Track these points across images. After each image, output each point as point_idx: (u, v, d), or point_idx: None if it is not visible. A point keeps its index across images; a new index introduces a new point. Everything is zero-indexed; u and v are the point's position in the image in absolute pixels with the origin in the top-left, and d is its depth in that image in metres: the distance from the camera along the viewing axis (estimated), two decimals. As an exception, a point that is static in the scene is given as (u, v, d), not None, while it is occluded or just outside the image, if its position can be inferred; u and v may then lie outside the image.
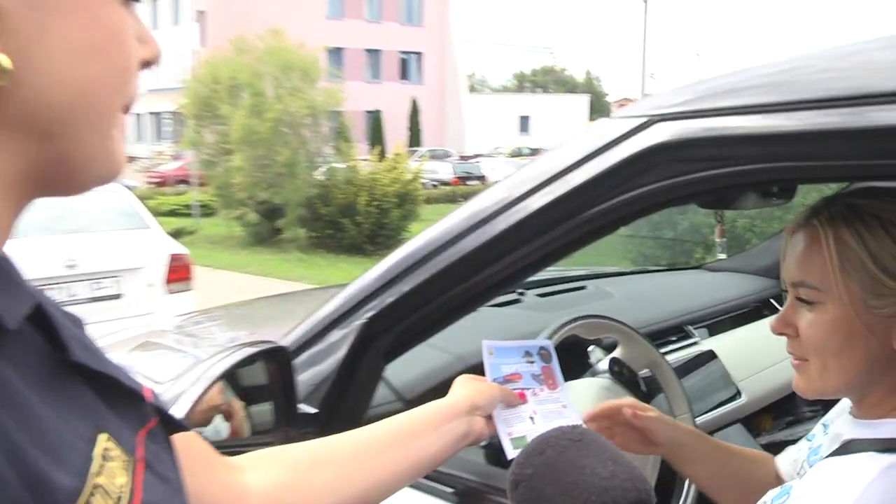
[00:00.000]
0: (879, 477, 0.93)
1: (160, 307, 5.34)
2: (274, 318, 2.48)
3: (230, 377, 1.20)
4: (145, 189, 23.95)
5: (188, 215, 17.63)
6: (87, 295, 5.21)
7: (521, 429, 1.15)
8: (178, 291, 5.48)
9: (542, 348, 1.26)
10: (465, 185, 26.28)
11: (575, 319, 1.64)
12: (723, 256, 2.00)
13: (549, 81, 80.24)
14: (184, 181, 23.26)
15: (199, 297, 5.75)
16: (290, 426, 1.25)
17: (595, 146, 1.10)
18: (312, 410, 1.30)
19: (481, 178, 27.79)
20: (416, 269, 1.24)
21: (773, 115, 0.92)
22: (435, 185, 24.56)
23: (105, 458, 0.53)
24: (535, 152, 38.61)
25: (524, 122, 52.04)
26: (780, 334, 1.12)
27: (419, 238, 1.28)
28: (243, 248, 14.77)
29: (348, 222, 14.02)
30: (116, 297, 5.31)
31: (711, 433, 1.90)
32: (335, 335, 1.32)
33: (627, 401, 1.37)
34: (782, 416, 2.33)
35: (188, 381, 1.12)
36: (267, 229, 15.14)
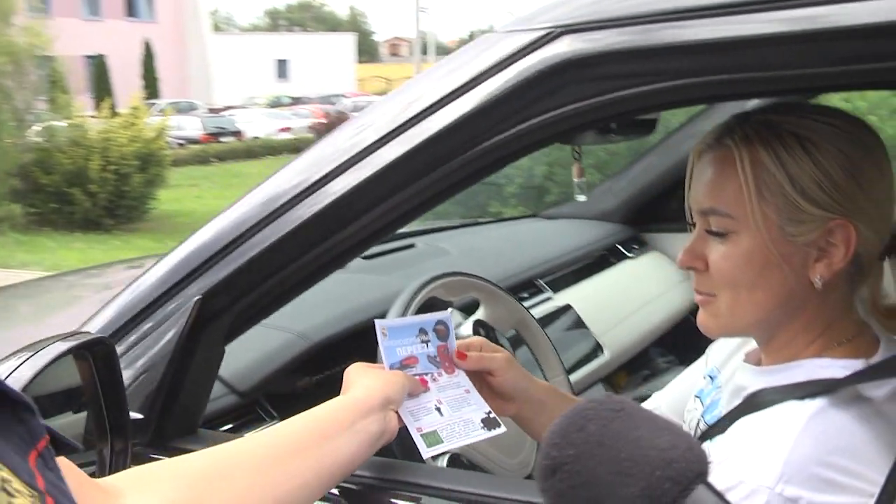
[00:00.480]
0: (808, 426, 0.98)
1: None
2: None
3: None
4: None
5: None
6: None
7: (430, 422, 1.14)
8: None
9: (438, 323, 1.25)
10: (219, 142, 25.71)
11: (436, 278, 1.63)
12: (582, 198, 2.05)
13: (307, 19, 79.64)
14: None
15: None
16: (118, 438, 1.16)
17: (483, 66, 1.06)
18: (136, 416, 1.23)
19: (237, 133, 27.25)
20: (262, 230, 1.19)
21: (709, 21, 0.93)
22: (182, 144, 23.76)
23: (7, 492, 0.46)
24: (297, 101, 38.30)
25: (282, 66, 51.36)
26: (689, 268, 1.14)
27: (259, 192, 1.22)
28: (-62, 233, 13.51)
29: (79, 193, 13.28)
30: None
31: (577, 395, 1.96)
32: (155, 320, 1.26)
33: (472, 340, 1.33)
34: (637, 370, 2.46)
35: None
36: (-33, 208, 13.97)
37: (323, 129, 21.42)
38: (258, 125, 28.29)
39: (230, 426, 1.53)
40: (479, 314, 1.76)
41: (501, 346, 1.73)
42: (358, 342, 1.73)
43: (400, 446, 1.32)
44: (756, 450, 1.00)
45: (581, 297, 2.31)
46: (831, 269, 1.03)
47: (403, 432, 1.12)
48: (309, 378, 1.73)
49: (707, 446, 1.12)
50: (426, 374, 1.20)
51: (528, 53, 1.03)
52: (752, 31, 0.90)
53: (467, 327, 1.72)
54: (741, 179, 1.05)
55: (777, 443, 0.98)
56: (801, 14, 0.87)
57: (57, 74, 15.90)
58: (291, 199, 1.17)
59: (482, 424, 1.20)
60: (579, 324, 2.18)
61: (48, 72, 15.73)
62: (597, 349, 2.18)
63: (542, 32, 1.03)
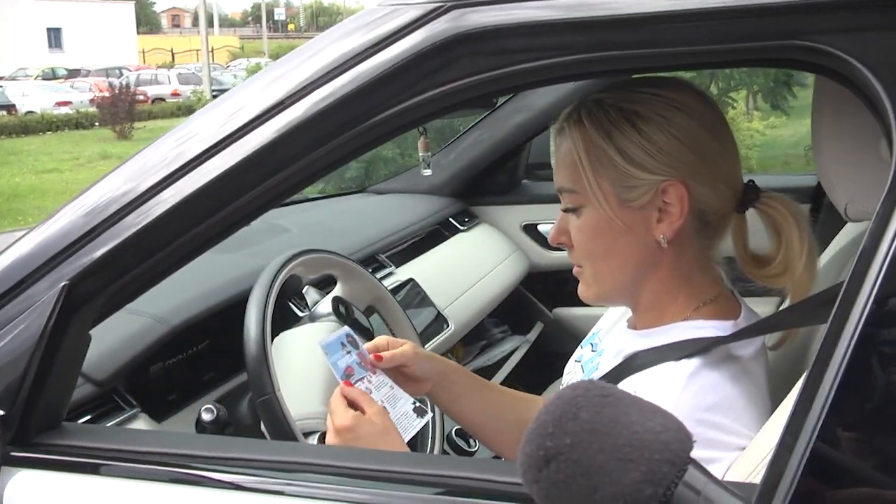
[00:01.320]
0: (687, 384, 1.06)
1: None
2: None
3: None
4: None
5: None
6: None
7: None
8: None
9: (347, 336, 1.35)
10: (-10, 116, 23.98)
11: (296, 256, 1.63)
12: (428, 172, 2.07)
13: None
14: None
15: None
16: None
17: (372, 39, 1.06)
18: None
19: (10, 107, 25.59)
20: (136, 209, 1.14)
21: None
22: None
23: None
24: (75, 73, 36.34)
25: (55, 35, 48.57)
26: (559, 244, 1.22)
27: (130, 166, 1.17)
28: None
29: None
30: None
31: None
32: (15, 307, 1.18)
33: (378, 340, 1.40)
34: (473, 342, 2.52)
35: None
36: None
37: (108, 103, 20.37)
38: (33, 98, 26.67)
39: (89, 417, 1.47)
40: (337, 291, 1.78)
41: (359, 322, 1.74)
42: (217, 323, 1.73)
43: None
44: None
45: (421, 270, 2.34)
46: (672, 226, 1.11)
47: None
48: (162, 363, 1.69)
49: None
50: (361, 378, 1.31)
51: (418, 28, 1.03)
52: (648, 9, 0.93)
53: (326, 305, 1.73)
54: (575, 157, 1.14)
55: (659, 403, 1.04)
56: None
57: None
58: (200, 156, 1.12)
59: (416, 414, 1.33)
60: (424, 297, 2.20)
61: None
62: (442, 322, 2.21)
63: (431, 7, 1.03)
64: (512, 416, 1.44)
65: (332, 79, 1.07)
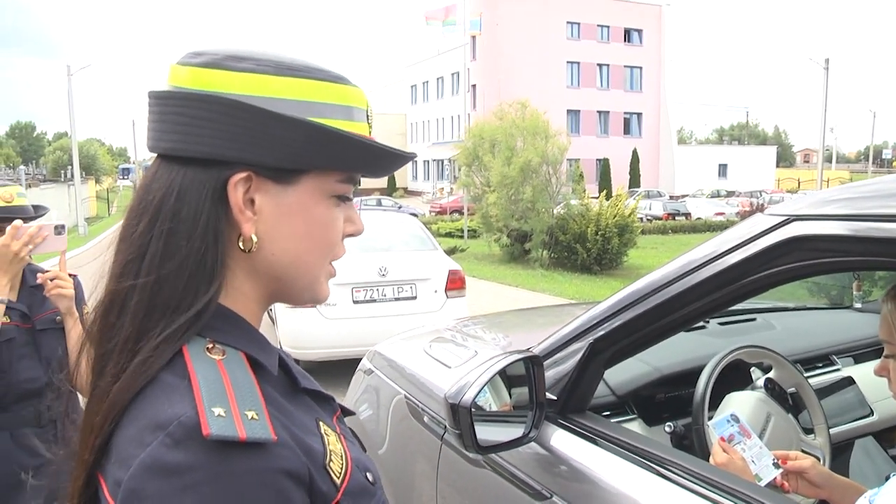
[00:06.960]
0: None
1: (442, 308, 5.48)
2: (520, 326, 2.51)
3: (504, 369, 1.32)
4: (429, 216, 24.63)
5: (461, 236, 17.76)
6: (392, 296, 5.36)
7: (755, 468, 1.34)
8: (454, 297, 5.58)
9: (731, 415, 1.42)
10: (674, 220, 24.97)
11: (739, 349, 1.68)
12: (858, 305, 1.92)
13: (743, 135, 73.84)
14: (457, 211, 24.20)
15: (469, 301, 5.78)
16: (538, 408, 1.32)
17: (751, 234, 1.13)
18: (553, 397, 1.37)
19: (687, 214, 26.10)
20: (630, 308, 1.27)
21: (868, 224, 0.97)
22: (649, 220, 23.62)
23: (325, 434, 0.64)
24: (730, 194, 35.91)
25: (722, 168, 48.47)
26: (880, 375, 1.21)
27: (632, 286, 1.29)
28: (500, 264, 14.41)
29: (580, 248, 13.57)
30: (413, 298, 5.43)
31: (843, 442, 1.85)
32: (571, 349, 1.38)
33: (787, 453, 1.40)
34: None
35: (479, 371, 1.24)
36: (518, 250, 14.82)
37: (746, 215, 19.84)
38: (701, 209, 27.08)
39: (607, 413, 1.59)
40: (771, 374, 1.75)
41: (785, 398, 1.70)
42: (688, 378, 1.76)
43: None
44: None
45: (868, 372, 2.00)
46: None
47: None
48: (663, 395, 1.77)
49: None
50: (739, 441, 1.37)
51: (775, 230, 1.09)
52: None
53: (762, 381, 1.72)
54: (889, 321, 1.14)
55: None
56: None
57: (577, 170, 15.77)
58: (656, 288, 1.23)
59: (774, 467, 1.34)
60: (855, 391, 1.97)
61: (573, 168, 15.91)
62: (868, 412, 1.95)
63: (783, 218, 1.09)
64: None
65: (719, 258, 1.15)
